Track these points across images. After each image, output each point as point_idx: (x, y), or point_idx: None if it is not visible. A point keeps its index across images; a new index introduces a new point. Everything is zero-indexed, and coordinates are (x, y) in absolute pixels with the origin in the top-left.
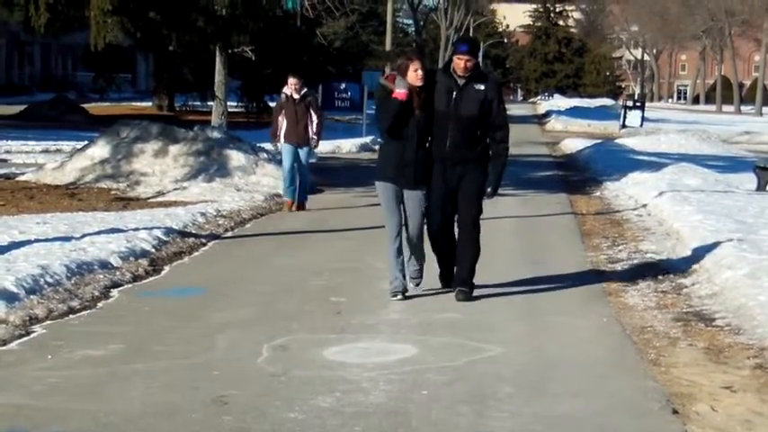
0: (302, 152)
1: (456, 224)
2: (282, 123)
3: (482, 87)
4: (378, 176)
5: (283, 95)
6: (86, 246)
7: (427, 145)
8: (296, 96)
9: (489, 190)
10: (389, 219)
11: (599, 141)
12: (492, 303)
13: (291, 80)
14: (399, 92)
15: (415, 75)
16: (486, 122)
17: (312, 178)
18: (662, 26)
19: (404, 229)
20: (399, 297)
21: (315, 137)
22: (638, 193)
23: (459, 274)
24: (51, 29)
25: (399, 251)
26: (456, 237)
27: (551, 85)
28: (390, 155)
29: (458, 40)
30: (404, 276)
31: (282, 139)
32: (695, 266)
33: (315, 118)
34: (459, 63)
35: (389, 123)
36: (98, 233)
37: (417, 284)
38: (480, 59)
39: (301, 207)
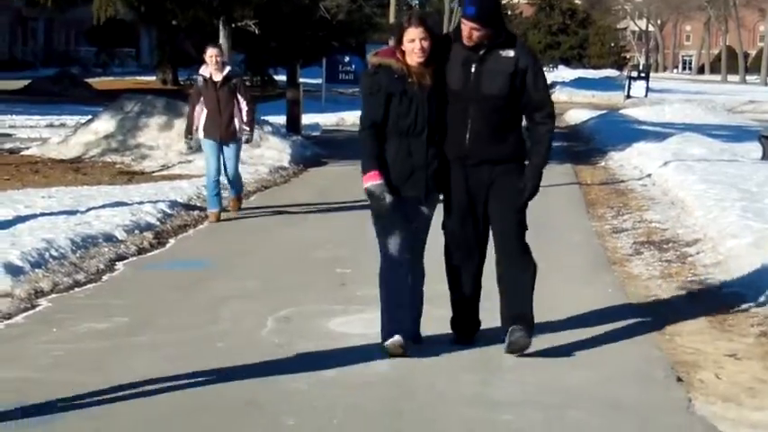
0: (228, 150)
1: (495, 251)
2: (201, 113)
3: (511, 54)
4: None
5: (200, 78)
6: (91, 219)
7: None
8: (217, 78)
9: (526, 192)
10: (388, 238)
11: (604, 112)
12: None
13: (211, 52)
14: (371, 179)
15: (412, 47)
16: (519, 102)
17: (318, 150)
18: None
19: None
20: (397, 340)
21: (246, 128)
22: (643, 163)
23: (510, 310)
24: (55, 4)
25: (401, 279)
26: (492, 268)
27: (556, 56)
28: (391, 156)
29: None
30: (402, 324)
31: (201, 134)
32: (700, 235)
33: (243, 105)
34: (463, 29)
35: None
36: (103, 207)
37: (415, 341)
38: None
39: (237, 204)
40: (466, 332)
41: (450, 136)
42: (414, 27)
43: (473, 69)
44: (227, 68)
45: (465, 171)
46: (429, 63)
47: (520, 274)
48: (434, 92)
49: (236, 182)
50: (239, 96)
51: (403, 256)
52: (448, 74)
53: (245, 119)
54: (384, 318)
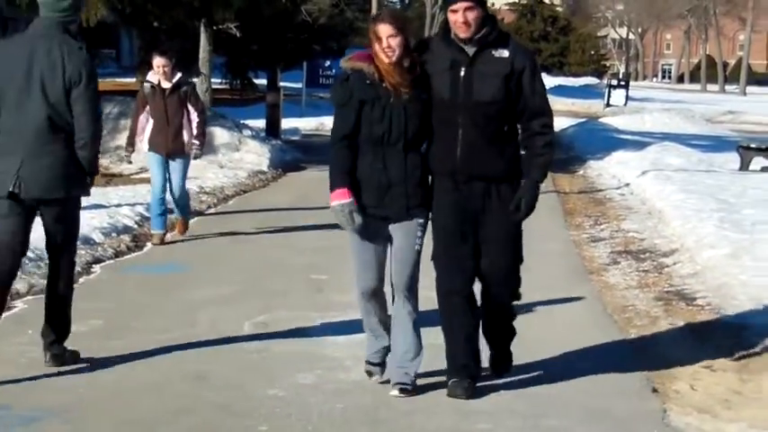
0: (175, 164)
1: (480, 280)
2: (146, 123)
3: (505, 54)
4: None
5: (147, 85)
6: None
7: (423, 148)
8: (165, 85)
9: (521, 208)
10: (362, 267)
11: (583, 120)
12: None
13: (159, 61)
14: (338, 197)
15: (380, 45)
16: (515, 109)
17: (297, 155)
18: (647, 5)
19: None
20: (376, 378)
21: (196, 141)
22: (622, 172)
23: (492, 355)
24: (35, 5)
25: (382, 317)
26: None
27: (537, 63)
28: (365, 170)
29: None
30: (384, 355)
31: (146, 146)
32: (677, 246)
33: (194, 116)
34: (456, 19)
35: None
36: (81, 209)
37: (408, 390)
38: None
39: (183, 228)
40: (465, 366)
41: (439, 149)
42: (381, 24)
43: (462, 73)
44: (178, 75)
45: (455, 189)
46: (405, 65)
47: (499, 321)
48: (414, 97)
49: (181, 201)
50: (190, 106)
51: (377, 286)
52: (433, 79)
53: (195, 131)
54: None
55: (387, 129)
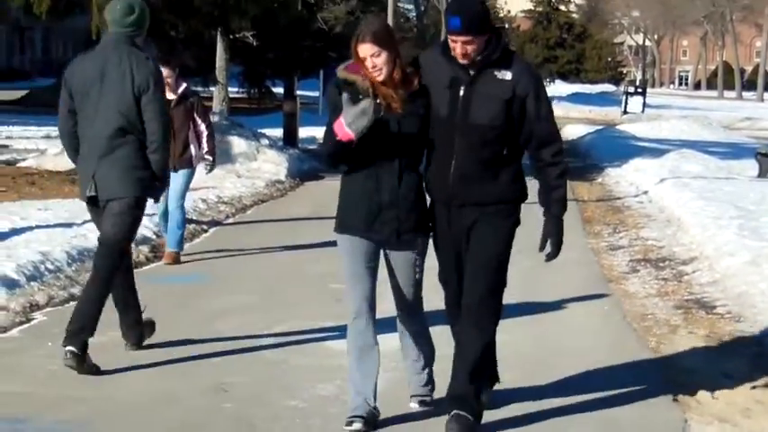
0: (178, 177)
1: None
2: None
3: (508, 76)
4: (337, 226)
5: None
6: (87, 232)
7: (422, 168)
8: (170, 97)
9: (550, 247)
10: (352, 289)
11: (600, 128)
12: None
13: (162, 72)
14: (344, 129)
15: (363, 63)
16: (516, 134)
17: (315, 164)
18: (663, 11)
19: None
20: (358, 427)
21: (208, 157)
22: (640, 180)
23: (452, 384)
24: (53, 14)
25: (367, 345)
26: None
27: (553, 70)
28: (356, 191)
29: (448, 9)
30: (373, 391)
31: None
32: (696, 254)
33: (202, 127)
34: (454, 47)
35: (335, 161)
36: None
37: (426, 402)
38: (504, 43)
39: (174, 260)
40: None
41: (434, 172)
42: (361, 44)
43: (461, 93)
44: (183, 85)
45: (449, 214)
46: (397, 79)
47: (472, 342)
48: (409, 112)
49: (174, 219)
50: (197, 118)
51: (367, 313)
52: (433, 96)
53: (205, 145)
54: (350, 388)
55: (380, 148)
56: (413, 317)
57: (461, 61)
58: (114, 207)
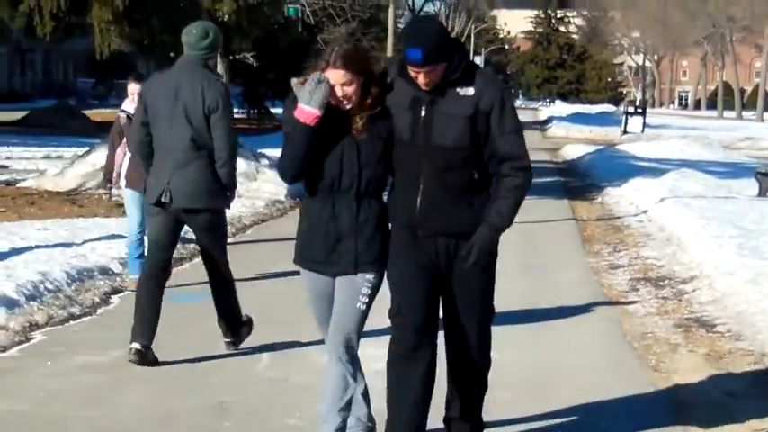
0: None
1: (446, 343)
2: (123, 158)
3: (470, 92)
4: (296, 256)
5: (122, 115)
6: (87, 252)
7: (385, 196)
8: None
9: (470, 259)
10: (317, 322)
11: (600, 147)
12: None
13: (133, 88)
14: (305, 109)
15: (333, 91)
16: (483, 154)
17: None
18: (663, 32)
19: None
20: None
21: None
22: (639, 199)
23: (462, 406)
24: (54, 36)
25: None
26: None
27: (553, 91)
28: (314, 219)
29: (405, 39)
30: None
31: (123, 183)
32: (696, 272)
33: None
34: (417, 77)
35: (293, 168)
36: (99, 239)
37: None
38: (468, 58)
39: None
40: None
41: (398, 198)
42: (331, 70)
43: (423, 114)
44: None
45: (415, 244)
46: (372, 105)
47: (471, 381)
48: (370, 137)
49: (143, 246)
50: None
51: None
52: (394, 118)
53: None
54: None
55: (337, 173)
56: (344, 357)
57: (423, 87)
58: (197, 221)
